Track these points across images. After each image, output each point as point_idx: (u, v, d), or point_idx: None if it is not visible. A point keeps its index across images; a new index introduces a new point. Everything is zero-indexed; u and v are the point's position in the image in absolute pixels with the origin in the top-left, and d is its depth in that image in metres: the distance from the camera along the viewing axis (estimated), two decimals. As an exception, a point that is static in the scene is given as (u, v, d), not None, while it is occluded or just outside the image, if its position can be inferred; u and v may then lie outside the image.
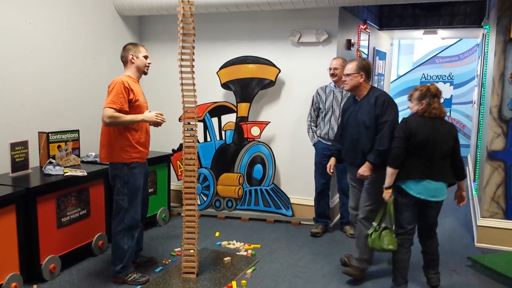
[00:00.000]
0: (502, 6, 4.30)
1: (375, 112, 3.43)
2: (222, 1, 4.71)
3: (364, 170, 3.47)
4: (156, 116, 3.44)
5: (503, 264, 3.94)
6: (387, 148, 3.33)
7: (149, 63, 3.57)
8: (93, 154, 4.52)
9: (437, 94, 3.28)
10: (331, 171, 3.98)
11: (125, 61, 3.54)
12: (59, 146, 4.13)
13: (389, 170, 3.25)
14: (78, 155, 4.33)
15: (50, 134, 4.06)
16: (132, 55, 3.49)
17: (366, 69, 3.53)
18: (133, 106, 3.41)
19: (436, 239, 3.51)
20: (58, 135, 4.14)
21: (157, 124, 3.53)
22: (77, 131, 4.35)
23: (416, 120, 3.26)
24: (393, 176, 3.26)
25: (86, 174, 3.88)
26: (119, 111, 3.30)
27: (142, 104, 3.51)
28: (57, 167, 3.86)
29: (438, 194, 3.30)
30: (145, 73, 3.61)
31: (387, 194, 3.28)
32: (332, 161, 3.97)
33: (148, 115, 3.45)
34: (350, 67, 3.54)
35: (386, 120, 3.41)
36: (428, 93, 3.26)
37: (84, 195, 3.97)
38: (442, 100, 3.37)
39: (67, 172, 3.81)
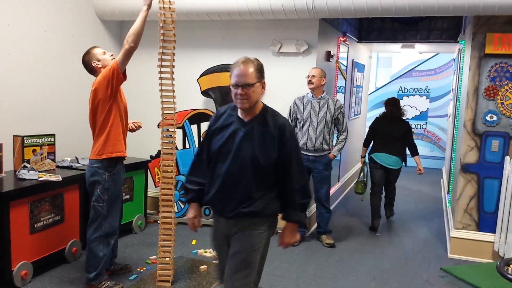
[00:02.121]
0: (478, 22, 4.42)
1: (280, 149, 2.34)
2: (203, 9, 4.72)
3: (292, 236, 2.51)
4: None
5: (474, 275, 4.02)
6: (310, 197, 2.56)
7: (111, 55, 3.48)
8: (69, 159, 4.46)
9: (393, 104, 5.49)
10: (197, 227, 2.62)
11: (94, 72, 3.48)
12: (34, 150, 4.06)
13: (363, 148, 5.67)
14: (54, 160, 4.26)
15: (25, 138, 3.99)
16: (94, 62, 3.43)
17: (264, 73, 2.43)
18: (119, 100, 3.40)
19: (394, 192, 5.83)
20: (34, 139, 4.07)
21: (133, 129, 3.58)
22: (53, 135, 4.28)
23: (380, 118, 5.57)
24: (364, 151, 5.65)
25: (61, 179, 3.82)
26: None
27: (124, 101, 3.51)
28: (31, 172, 3.79)
29: (394, 164, 5.38)
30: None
31: (361, 160, 5.68)
32: (195, 211, 2.59)
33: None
34: (251, 72, 2.30)
35: (299, 157, 2.45)
36: (387, 104, 5.54)
37: (58, 201, 3.90)
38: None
39: (41, 177, 3.75)
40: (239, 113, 2.42)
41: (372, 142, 5.53)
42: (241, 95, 2.31)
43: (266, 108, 2.45)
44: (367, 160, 5.58)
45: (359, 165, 7.23)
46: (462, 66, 5.42)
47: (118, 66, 3.24)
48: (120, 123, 3.41)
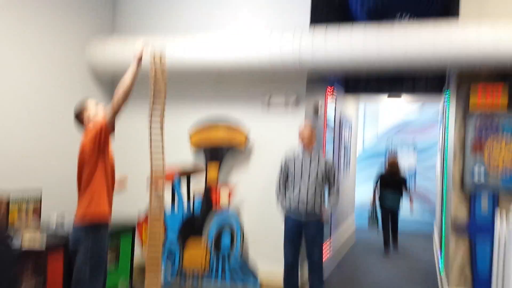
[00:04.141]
0: (461, 75, 4.48)
1: None
2: (194, 64, 4.79)
3: None
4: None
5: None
6: None
7: (103, 107, 3.45)
8: (55, 218, 4.32)
9: (391, 163, 7.64)
10: None
11: (82, 123, 3.43)
12: (19, 212, 3.93)
13: (373, 195, 7.56)
14: (39, 219, 4.12)
15: (10, 200, 3.85)
16: (85, 113, 3.40)
17: None
18: (106, 156, 3.34)
19: (397, 226, 7.72)
20: (18, 201, 3.93)
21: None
22: (40, 191, 4.17)
23: (384, 173, 7.69)
24: (374, 194, 7.59)
25: (44, 248, 3.64)
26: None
27: (111, 160, 3.45)
28: (14, 240, 3.58)
29: (396, 203, 7.50)
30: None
31: (372, 202, 7.61)
32: None
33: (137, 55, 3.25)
34: None
35: None
36: (389, 159, 7.74)
37: (41, 267, 3.74)
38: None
39: (25, 246, 3.57)
40: None
41: (379, 187, 7.53)
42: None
43: None
44: (377, 202, 7.56)
45: (352, 224, 9.02)
46: (448, 119, 5.48)
47: (106, 123, 3.21)
48: (105, 183, 3.33)
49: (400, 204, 7.53)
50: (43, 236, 3.83)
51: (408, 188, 7.59)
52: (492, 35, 3.95)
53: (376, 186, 7.66)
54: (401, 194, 7.50)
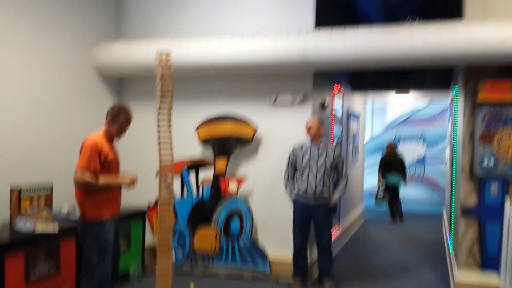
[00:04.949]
0: (469, 71, 4.52)
1: None
2: (200, 64, 4.85)
3: None
4: (130, 184, 3.51)
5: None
6: None
7: (121, 134, 3.62)
8: (66, 207, 4.42)
9: (389, 147, 9.23)
10: None
11: (106, 119, 3.59)
12: (31, 201, 4.02)
13: (378, 175, 9.10)
14: (51, 208, 4.21)
15: (22, 190, 3.96)
16: (109, 119, 3.54)
17: None
18: (103, 164, 3.45)
19: (400, 203, 9.07)
20: (30, 192, 4.03)
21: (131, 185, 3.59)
22: (51, 186, 4.26)
23: (385, 155, 9.20)
24: (379, 175, 9.08)
25: (57, 231, 3.78)
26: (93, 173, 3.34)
27: (112, 160, 3.54)
28: (27, 224, 3.74)
29: (397, 181, 8.94)
30: (115, 138, 3.65)
31: (380, 181, 9.04)
32: None
33: (123, 181, 3.50)
34: None
35: None
36: (387, 146, 9.25)
37: (54, 251, 3.84)
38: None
39: (38, 229, 3.71)
40: None
41: (382, 169, 8.92)
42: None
43: None
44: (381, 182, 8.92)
45: (360, 209, 9.28)
46: (456, 113, 5.49)
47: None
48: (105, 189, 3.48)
49: (400, 181, 8.88)
50: (55, 222, 3.95)
51: (404, 168, 8.93)
52: (497, 32, 3.97)
53: (379, 168, 9.04)
54: (401, 173, 8.84)
